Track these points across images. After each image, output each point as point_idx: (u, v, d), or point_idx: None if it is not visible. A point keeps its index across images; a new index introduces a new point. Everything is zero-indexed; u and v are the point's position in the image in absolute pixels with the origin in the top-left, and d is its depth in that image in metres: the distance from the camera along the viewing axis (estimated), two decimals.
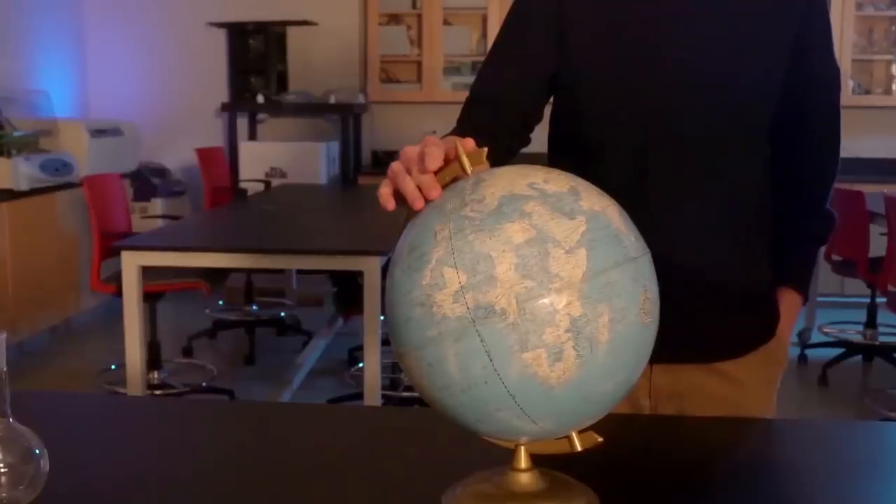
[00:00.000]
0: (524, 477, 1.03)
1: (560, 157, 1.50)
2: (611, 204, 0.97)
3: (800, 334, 5.09)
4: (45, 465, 1.06)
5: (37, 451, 1.06)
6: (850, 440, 1.34)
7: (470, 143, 1.01)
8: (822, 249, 4.55)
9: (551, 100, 1.51)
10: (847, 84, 6.01)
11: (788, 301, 1.51)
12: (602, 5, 1.41)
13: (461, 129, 1.46)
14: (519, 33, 1.47)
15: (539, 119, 1.52)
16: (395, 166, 1.02)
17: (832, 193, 1.55)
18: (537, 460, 1.04)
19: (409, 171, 1.00)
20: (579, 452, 0.99)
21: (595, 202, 0.94)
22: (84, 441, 1.31)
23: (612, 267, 0.91)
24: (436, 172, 1.02)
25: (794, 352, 4.91)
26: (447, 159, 1.03)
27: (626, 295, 0.91)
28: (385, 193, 1.02)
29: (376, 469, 1.20)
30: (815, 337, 5.15)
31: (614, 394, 0.95)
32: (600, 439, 1.00)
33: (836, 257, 4.76)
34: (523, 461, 1.04)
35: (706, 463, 1.24)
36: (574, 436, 0.99)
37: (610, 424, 1.03)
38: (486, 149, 1.01)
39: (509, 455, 1.04)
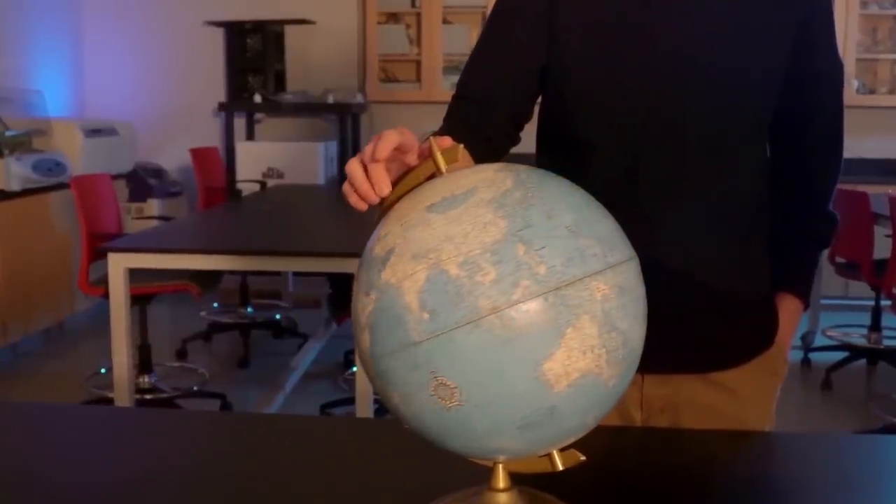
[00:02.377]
0: (502, 497, 0.98)
1: (549, 156, 1.44)
2: (422, 268, 0.84)
3: (803, 338, 5.03)
4: None
5: None
6: (853, 454, 1.29)
7: (445, 139, 0.96)
8: (826, 252, 4.50)
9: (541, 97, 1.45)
10: (851, 83, 5.96)
11: (788, 307, 1.44)
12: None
13: (447, 128, 1.40)
14: (506, 25, 1.41)
15: (529, 117, 1.45)
16: (353, 161, 0.98)
17: (835, 194, 1.48)
18: (521, 478, 0.98)
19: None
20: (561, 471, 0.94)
21: (398, 271, 0.85)
22: (36, 455, 1.25)
23: (387, 353, 0.86)
24: (410, 170, 0.97)
25: (797, 355, 4.86)
26: (422, 156, 0.98)
27: (403, 383, 0.86)
28: (347, 190, 0.97)
29: (353, 486, 1.15)
30: (819, 340, 5.09)
31: (481, 452, 0.92)
32: (583, 458, 0.94)
33: (839, 259, 4.71)
34: (501, 480, 0.99)
35: (701, 478, 1.19)
36: (555, 454, 0.94)
37: (599, 438, 0.98)
38: (461, 145, 0.96)
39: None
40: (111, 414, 1.61)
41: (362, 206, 0.97)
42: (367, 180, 0.94)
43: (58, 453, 1.26)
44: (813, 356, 4.88)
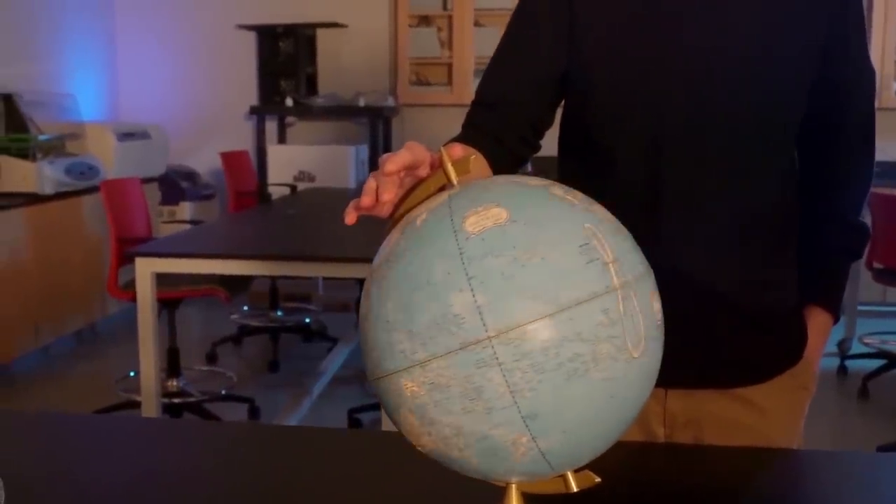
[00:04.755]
0: None
1: (570, 162, 1.42)
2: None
3: (839, 345, 4.95)
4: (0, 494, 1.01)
5: None
6: (887, 473, 1.24)
7: (456, 150, 0.93)
8: (863, 257, 4.42)
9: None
10: (890, 85, 5.84)
11: (817, 321, 1.40)
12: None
13: (466, 134, 1.38)
14: (526, 31, 1.38)
15: (549, 124, 1.42)
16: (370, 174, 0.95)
17: (868, 200, 1.43)
18: (537, 498, 0.95)
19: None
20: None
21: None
22: (54, 466, 1.23)
23: None
24: (422, 181, 0.95)
25: (833, 363, 4.78)
26: (434, 166, 0.95)
27: None
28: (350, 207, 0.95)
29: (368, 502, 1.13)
30: (856, 347, 4.99)
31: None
32: (598, 479, 0.91)
33: (877, 265, 4.62)
34: (515, 501, 0.95)
35: (726, 497, 1.15)
36: (569, 475, 0.90)
37: (620, 454, 0.95)
38: (472, 156, 0.93)
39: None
40: (133, 423, 1.60)
41: (350, 220, 0.95)
42: (374, 189, 0.92)
43: (74, 465, 1.25)
44: (849, 364, 4.79)
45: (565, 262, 0.80)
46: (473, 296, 0.79)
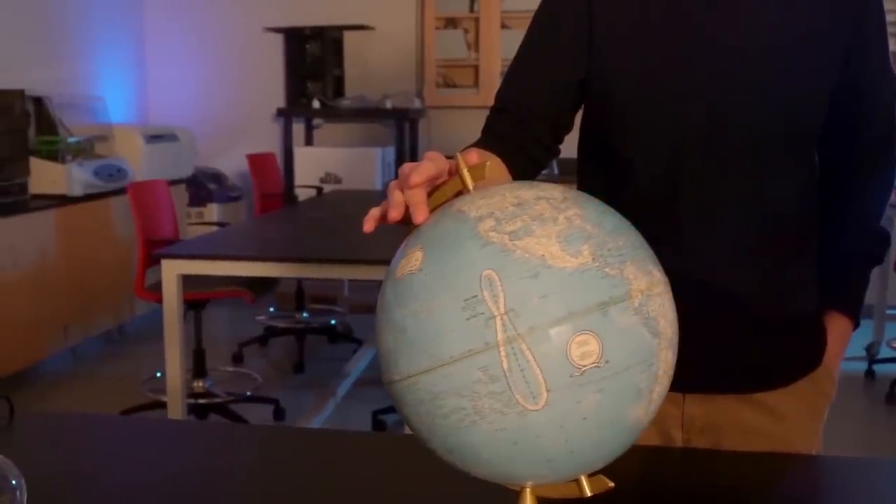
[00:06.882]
0: None
1: (590, 167, 1.42)
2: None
3: (867, 349, 4.90)
4: (22, 496, 1.02)
5: (13, 483, 1.02)
6: None
7: (473, 156, 0.93)
8: (891, 261, 4.38)
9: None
10: None
11: (836, 327, 1.39)
12: (635, 2, 1.31)
13: (486, 139, 1.39)
14: (546, 35, 1.38)
15: (569, 128, 1.43)
16: (391, 183, 0.95)
17: (891, 206, 1.42)
18: (551, 502, 0.95)
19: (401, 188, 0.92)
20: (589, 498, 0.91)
21: None
22: (79, 466, 1.25)
23: None
24: (438, 187, 0.95)
25: (861, 367, 4.73)
26: (450, 173, 0.96)
27: None
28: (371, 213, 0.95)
29: None
30: (884, 352, 4.95)
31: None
32: (611, 484, 0.91)
33: None
34: None
35: (743, 503, 1.15)
36: (583, 480, 0.90)
37: (637, 458, 0.94)
38: (488, 162, 0.93)
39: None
40: (159, 425, 1.61)
41: (369, 227, 0.94)
42: (403, 202, 0.91)
43: (99, 465, 1.26)
44: (877, 368, 4.74)
45: (446, 318, 0.79)
46: (387, 341, 0.84)
